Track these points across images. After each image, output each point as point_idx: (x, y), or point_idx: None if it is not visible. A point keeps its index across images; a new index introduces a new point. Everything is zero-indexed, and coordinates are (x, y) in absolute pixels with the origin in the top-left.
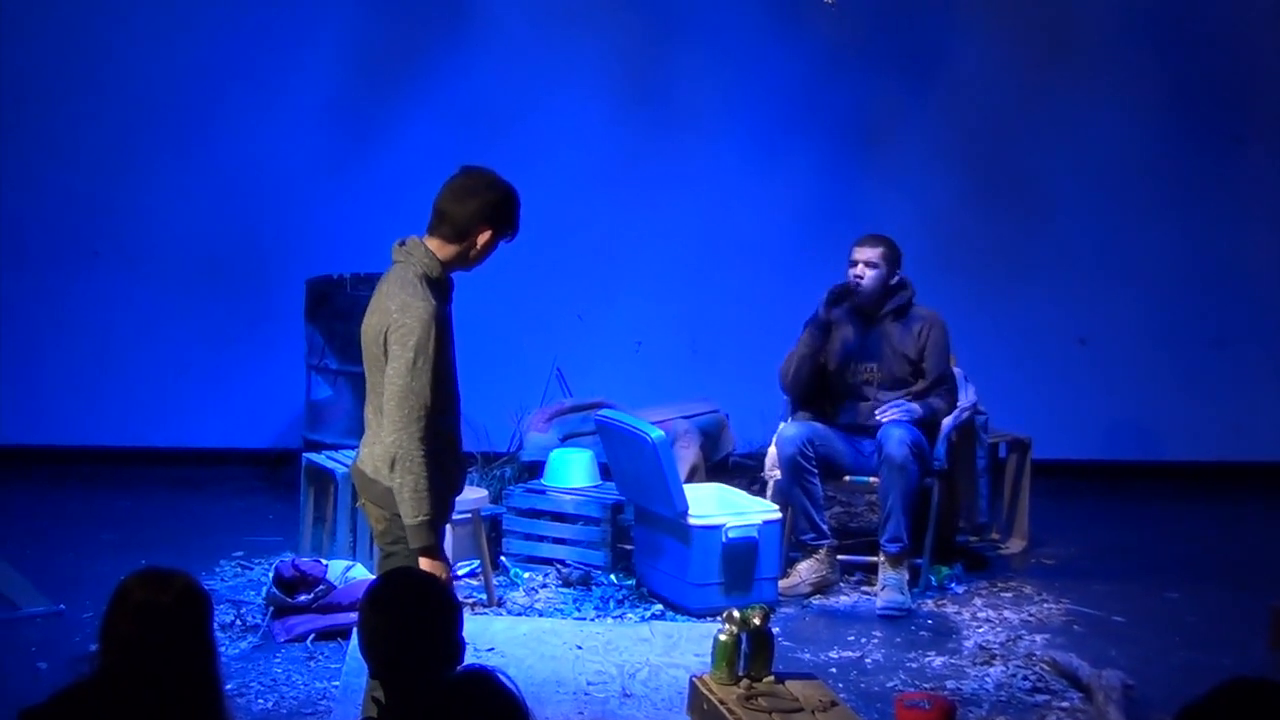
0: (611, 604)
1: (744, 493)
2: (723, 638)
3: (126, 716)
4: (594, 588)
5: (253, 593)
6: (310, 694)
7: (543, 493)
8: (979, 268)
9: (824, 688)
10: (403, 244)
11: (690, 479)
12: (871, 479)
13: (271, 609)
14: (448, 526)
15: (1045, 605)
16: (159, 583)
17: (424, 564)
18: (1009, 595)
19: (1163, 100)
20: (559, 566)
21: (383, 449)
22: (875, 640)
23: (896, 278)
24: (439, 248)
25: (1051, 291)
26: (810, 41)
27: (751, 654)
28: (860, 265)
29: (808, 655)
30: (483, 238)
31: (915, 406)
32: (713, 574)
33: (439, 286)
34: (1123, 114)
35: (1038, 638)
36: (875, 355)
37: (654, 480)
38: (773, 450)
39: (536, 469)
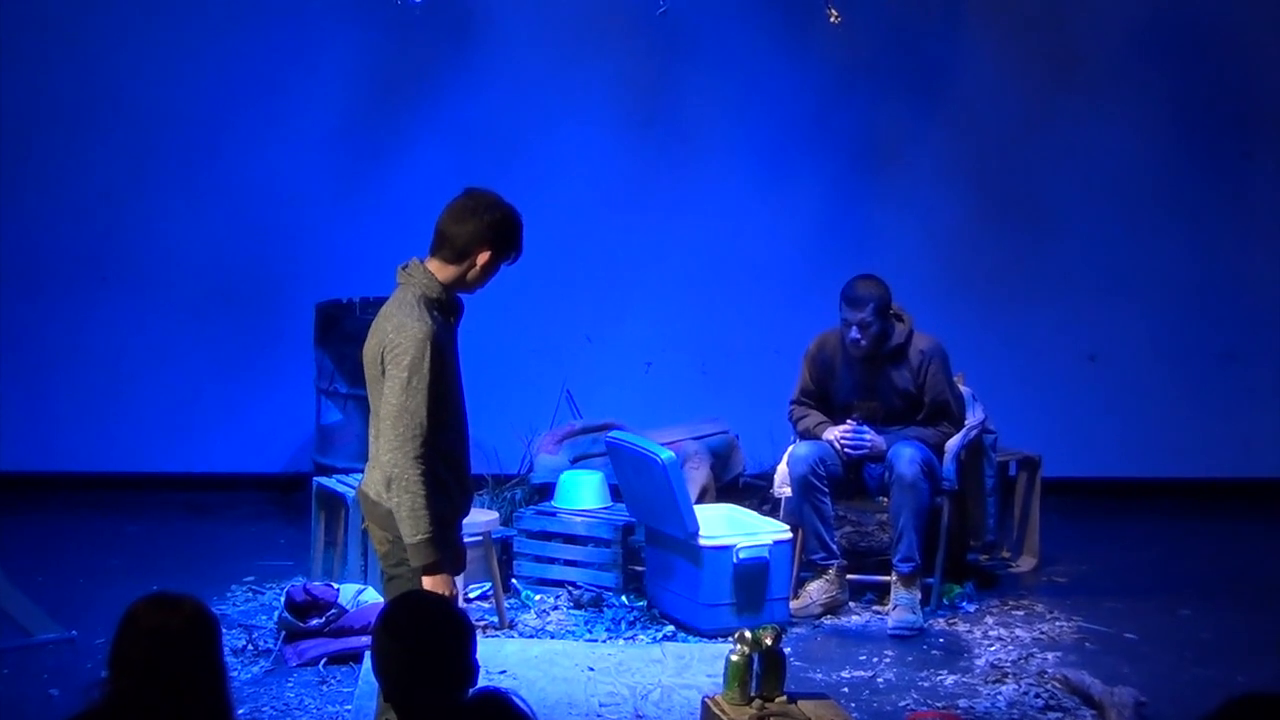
0: (623, 625)
1: (754, 513)
2: (735, 658)
3: None
4: (605, 609)
5: (264, 617)
6: (323, 718)
7: (553, 515)
8: (988, 286)
9: (836, 707)
10: (405, 267)
11: (701, 500)
12: (882, 499)
13: (283, 633)
14: None
15: (1057, 623)
16: (167, 607)
17: (426, 582)
18: (1020, 613)
19: (1170, 116)
20: (570, 588)
21: (380, 470)
22: (887, 659)
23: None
24: (439, 269)
25: (1061, 309)
26: (818, 63)
27: (764, 674)
28: (854, 328)
29: (820, 675)
30: (482, 258)
31: (880, 440)
32: (724, 595)
33: (441, 308)
34: (1130, 131)
35: (1050, 655)
36: (876, 393)
37: (664, 501)
38: (782, 467)
39: (547, 491)
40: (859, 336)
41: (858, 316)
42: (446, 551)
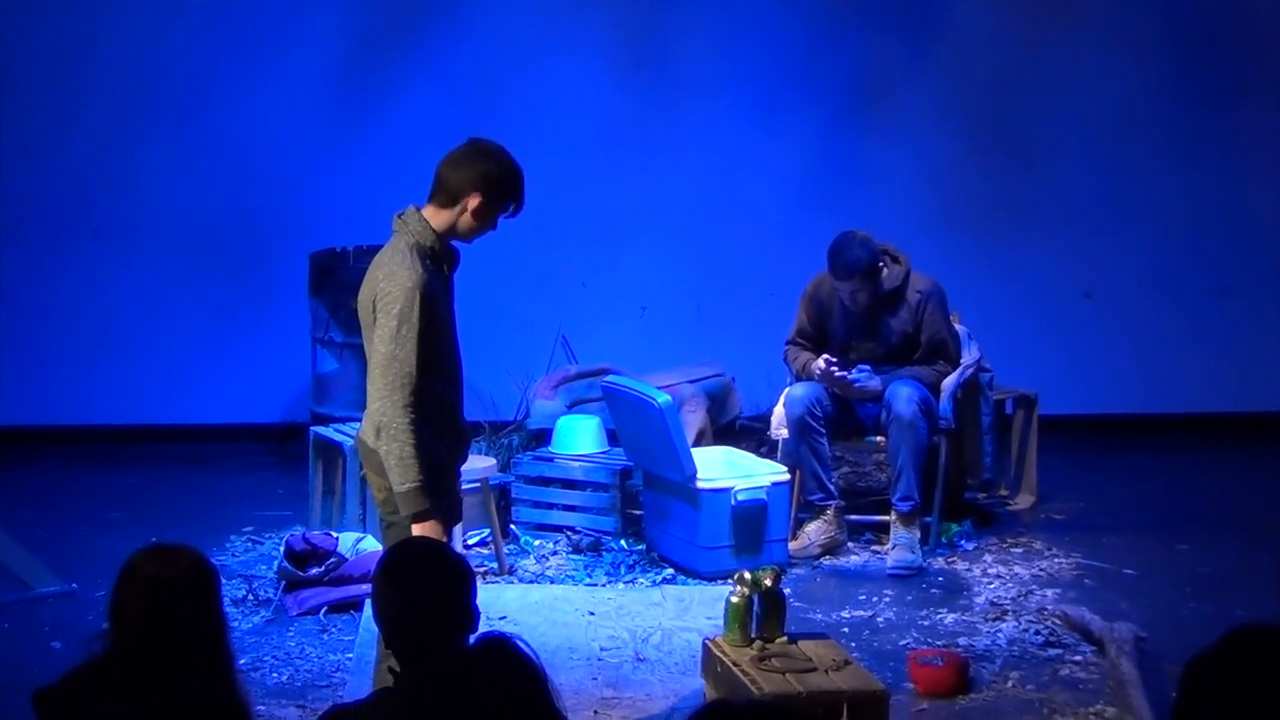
0: (622, 569)
1: (752, 455)
2: (734, 600)
3: (139, 692)
4: (604, 554)
5: (264, 567)
6: (324, 666)
7: (551, 460)
8: (982, 223)
9: (837, 647)
10: (401, 215)
11: (698, 443)
12: (879, 438)
13: (283, 583)
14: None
15: (1055, 560)
16: (165, 558)
17: (416, 529)
18: (1019, 551)
19: (1164, 51)
20: (569, 533)
21: (371, 418)
22: (887, 599)
23: (881, 264)
24: (433, 215)
25: (1055, 246)
26: (808, 1)
27: (764, 615)
28: (847, 295)
29: (820, 616)
30: (472, 203)
31: (876, 380)
32: (723, 537)
33: (434, 256)
34: (1124, 65)
35: (1049, 592)
36: (874, 334)
37: (662, 445)
38: (779, 409)
39: (544, 436)
40: (852, 301)
41: (847, 288)
42: (437, 499)
